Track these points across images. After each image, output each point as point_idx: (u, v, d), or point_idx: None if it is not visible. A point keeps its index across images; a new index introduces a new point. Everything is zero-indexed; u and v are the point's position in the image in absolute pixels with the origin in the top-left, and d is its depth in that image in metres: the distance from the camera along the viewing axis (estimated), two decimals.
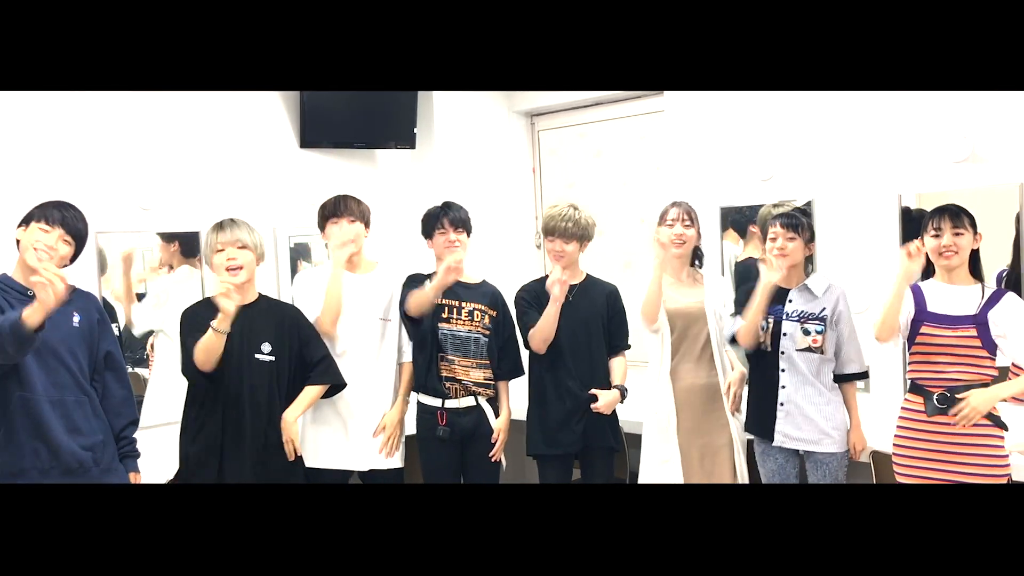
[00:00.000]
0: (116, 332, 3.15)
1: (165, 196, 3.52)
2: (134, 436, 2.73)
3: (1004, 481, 2.57)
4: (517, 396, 3.36)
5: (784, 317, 2.92)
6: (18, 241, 2.55)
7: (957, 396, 2.58)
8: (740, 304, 3.05)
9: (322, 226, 3.14)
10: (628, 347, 3.24)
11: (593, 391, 3.08)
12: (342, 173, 4.11)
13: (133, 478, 2.71)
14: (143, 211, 3.46)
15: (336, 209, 3.09)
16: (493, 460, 3.14)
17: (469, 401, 3.12)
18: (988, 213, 2.84)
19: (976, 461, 2.56)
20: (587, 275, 3.23)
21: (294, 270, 3.91)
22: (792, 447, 2.91)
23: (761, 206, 3.60)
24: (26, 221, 2.55)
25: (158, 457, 3.19)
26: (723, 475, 3.01)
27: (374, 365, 3.09)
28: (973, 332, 2.58)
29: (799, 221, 2.91)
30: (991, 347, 2.58)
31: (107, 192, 3.37)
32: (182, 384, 2.85)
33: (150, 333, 3.49)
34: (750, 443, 3.10)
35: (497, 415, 3.18)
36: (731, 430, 3.01)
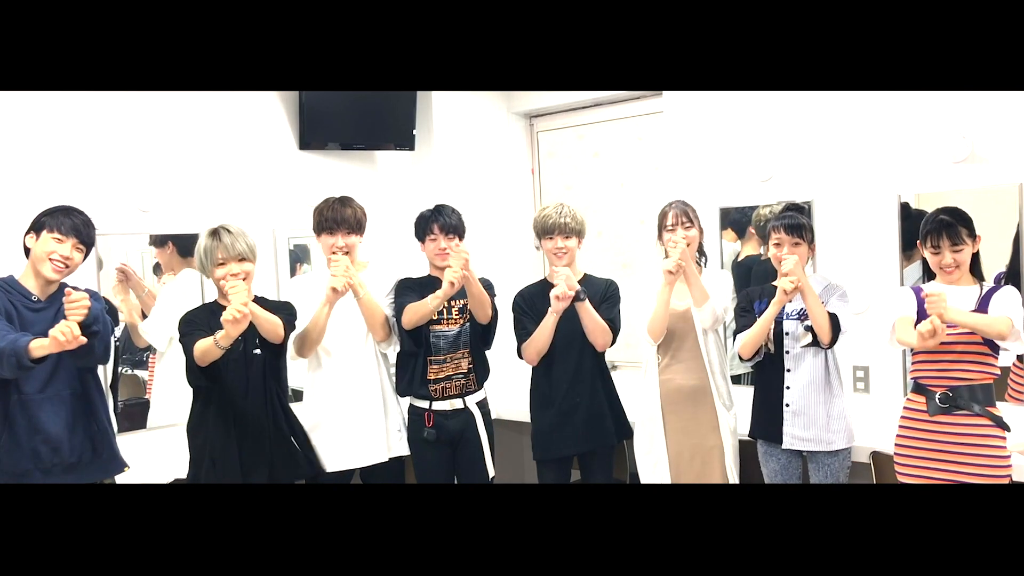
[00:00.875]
0: (117, 334, 3.14)
1: (164, 198, 3.52)
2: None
3: (1006, 482, 2.57)
4: (510, 398, 3.37)
5: (784, 317, 2.92)
6: (27, 248, 2.56)
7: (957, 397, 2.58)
8: (740, 311, 3.04)
9: (317, 231, 3.12)
10: (612, 322, 3.13)
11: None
12: (341, 175, 4.10)
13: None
14: (142, 213, 3.45)
15: (333, 221, 3.05)
16: None
17: (457, 403, 3.12)
18: (987, 213, 2.85)
19: (978, 462, 2.55)
20: (585, 274, 3.23)
21: (293, 272, 3.90)
22: (800, 448, 2.91)
23: (752, 207, 3.60)
24: (36, 229, 2.55)
25: (161, 458, 3.19)
26: (713, 476, 3.01)
27: (362, 364, 3.08)
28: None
29: (802, 224, 2.90)
30: (993, 345, 2.58)
31: (106, 194, 3.36)
32: (185, 387, 2.85)
33: (169, 341, 3.46)
34: (745, 444, 3.09)
35: (485, 418, 3.17)
36: (721, 432, 3.00)
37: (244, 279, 2.77)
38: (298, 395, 3.18)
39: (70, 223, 2.55)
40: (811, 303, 2.81)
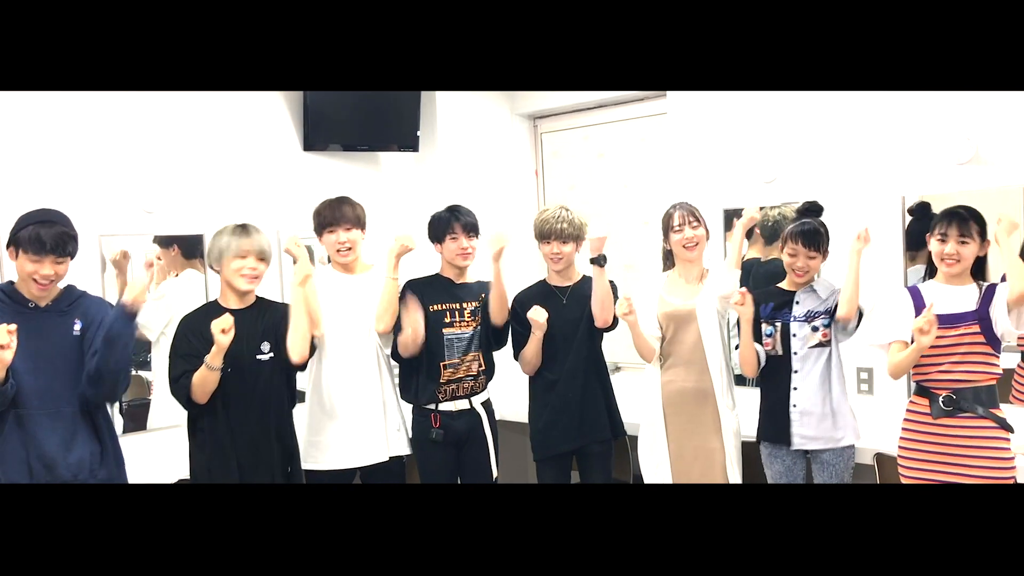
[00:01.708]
0: None
1: (168, 199, 3.52)
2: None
3: (1010, 483, 2.56)
4: (512, 399, 3.37)
5: (792, 319, 2.92)
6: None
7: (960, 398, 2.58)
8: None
9: (319, 232, 3.13)
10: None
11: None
12: (345, 176, 4.11)
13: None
14: (146, 214, 3.46)
15: (333, 217, 3.07)
16: None
17: (463, 404, 3.12)
18: (992, 215, 2.83)
19: (982, 463, 2.55)
20: (583, 276, 3.22)
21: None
22: (809, 447, 2.91)
23: (764, 208, 3.60)
24: (13, 245, 2.47)
25: (163, 459, 3.19)
26: (714, 478, 3.00)
27: (362, 364, 3.08)
28: (976, 328, 2.57)
29: (821, 236, 2.89)
30: (995, 343, 2.57)
31: (110, 195, 3.36)
32: None
33: (160, 336, 3.47)
34: (749, 446, 3.09)
35: (490, 419, 3.17)
36: (723, 434, 3.00)
37: (258, 277, 2.79)
38: (300, 395, 3.17)
39: (41, 243, 2.42)
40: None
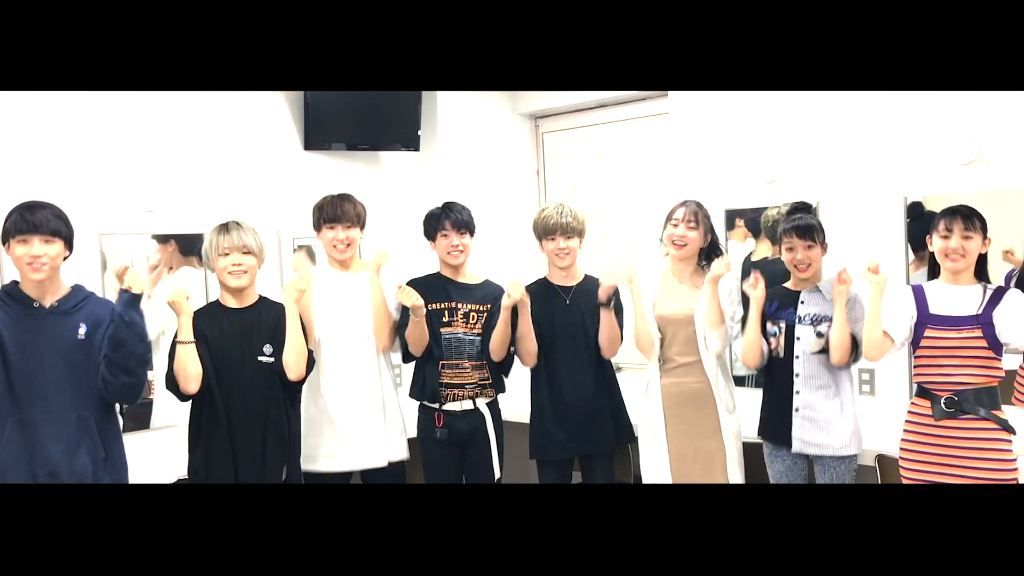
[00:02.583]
0: None
1: (169, 198, 3.52)
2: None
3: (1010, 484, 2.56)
4: (516, 400, 3.36)
5: (797, 321, 2.90)
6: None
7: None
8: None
9: (317, 227, 3.13)
10: (620, 325, 3.14)
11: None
12: (346, 175, 4.10)
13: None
14: (147, 213, 3.46)
15: (333, 215, 3.06)
16: None
17: (467, 405, 3.11)
18: (995, 215, 2.82)
19: (983, 465, 2.54)
20: (585, 276, 3.21)
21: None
22: (809, 452, 2.89)
23: (767, 208, 3.60)
24: (4, 240, 2.46)
25: (165, 459, 3.19)
26: (714, 480, 2.99)
27: (362, 366, 3.07)
28: (978, 333, 2.57)
29: (813, 226, 2.88)
30: (997, 347, 2.56)
31: (111, 194, 3.36)
32: None
33: (160, 335, 3.47)
34: (751, 447, 3.08)
35: (495, 419, 3.16)
36: (723, 435, 2.99)
37: (246, 272, 2.78)
38: None
39: (25, 221, 2.40)
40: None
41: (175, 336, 2.75)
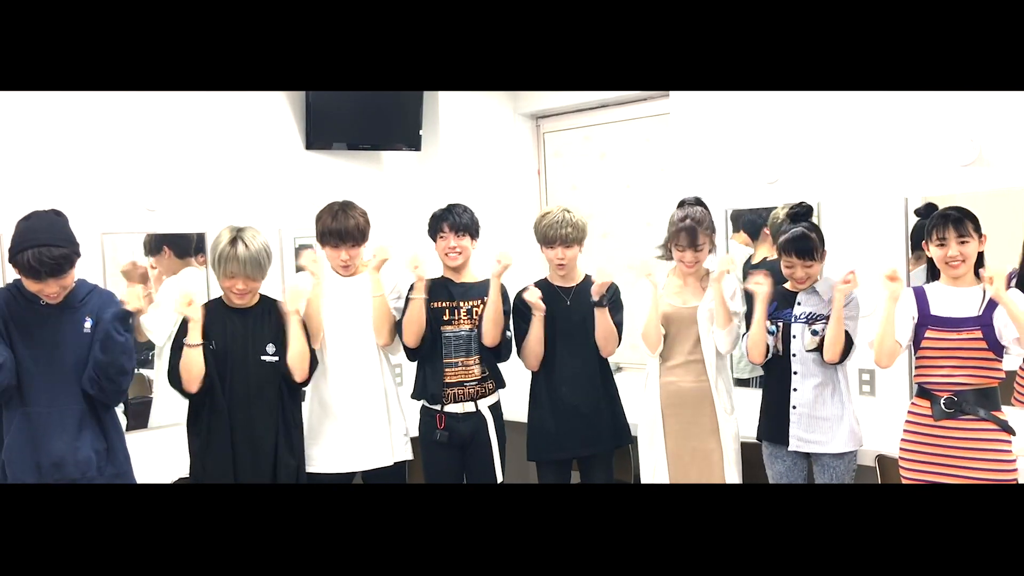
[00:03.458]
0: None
1: (171, 197, 3.52)
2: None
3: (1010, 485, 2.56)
4: (517, 400, 3.36)
5: (793, 320, 2.92)
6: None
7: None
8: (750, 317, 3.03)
9: (321, 239, 3.09)
10: (616, 327, 3.14)
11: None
12: (347, 175, 4.11)
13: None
14: (149, 212, 3.46)
15: (338, 237, 3.01)
16: None
17: (469, 407, 3.11)
18: (995, 216, 2.83)
19: (983, 466, 2.54)
20: (586, 276, 3.22)
21: (299, 271, 3.89)
22: (807, 450, 2.90)
23: (767, 208, 3.60)
24: (13, 263, 2.44)
25: (165, 457, 3.19)
26: (712, 480, 3.00)
27: (365, 366, 3.07)
28: (978, 335, 2.57)
29: (813, 248, 2.86)
30: (997, 349, 2.57)
31: (113, 193, 3.37)
32: None
33: (168, 339, 3.46)
34: (750, 448, 3.09)
35: (496, 422, 3.16)
36: (721, 436, 2.99)
37: (249, 292, 2.79)
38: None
39: (36, 272, 2.39)
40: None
41: (178, 333, 2.76)
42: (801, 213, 2.97)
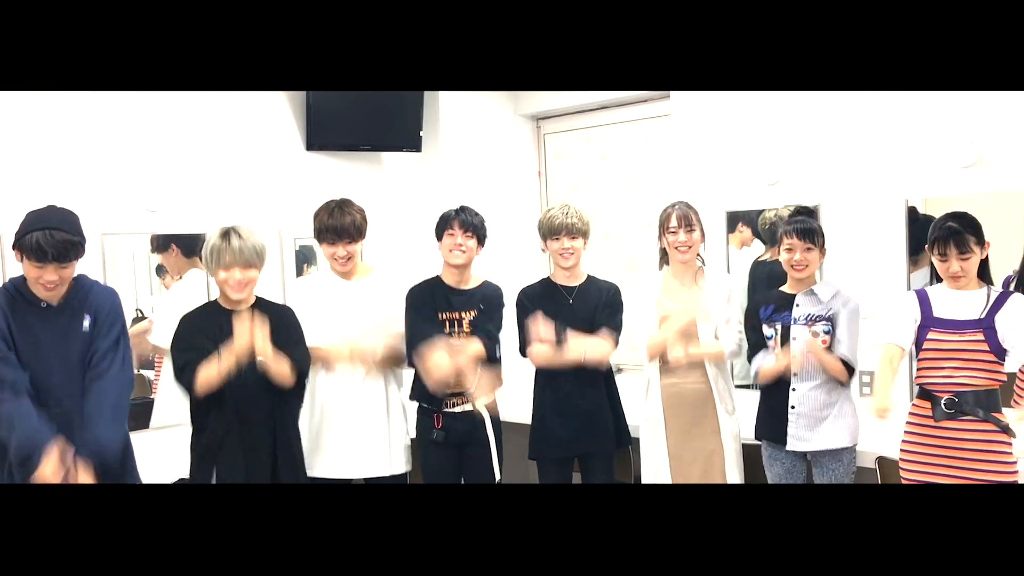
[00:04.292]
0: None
1: (171, 198, 3.53)
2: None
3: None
4: (515, 400, 3.37)
5: (792, 322, 2.91)
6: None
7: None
8: (749, 329, 3.03)
9: (318, 239, 3.10)
10: (614, 331, 3.12)
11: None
12: (347, 176, 4.11)
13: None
14: (149, 213, 3.47)
15: (335, 234, 3.02)
16: None
17: (466, 406, 3.11)
18: (996, 218, 2.83)
19: (983, 467, 2.54)
20: (588, 276, 3.22)
21: (299, 273, 3.91)
22: (804, 449, 2.91)
23: (765, 210, 3.60)
24: (17, 247, 2.44)
25: (166, 458, 3.19)
26: (713, 481, 3.00)
27: (368, 372, 3.06)
28: (980, 336, 2.57)
29: (814, 229, 2.89)
30: (999, 351, 2.57)
31: (113, 194, 3.37)
32: None
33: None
34: (750, 449, 3.09)
35: (494, 421, 3.16)
36: (722, 437, 2.99)
37: (247, 285, 2.76)
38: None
39: (43, 251, 2.37)
40: (824, 363, 2.85)
41: (183, 331, 2.77)
42: (804, 212, 3.05)
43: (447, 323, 3.10)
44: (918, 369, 2.71)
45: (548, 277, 3.26)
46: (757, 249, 3.68)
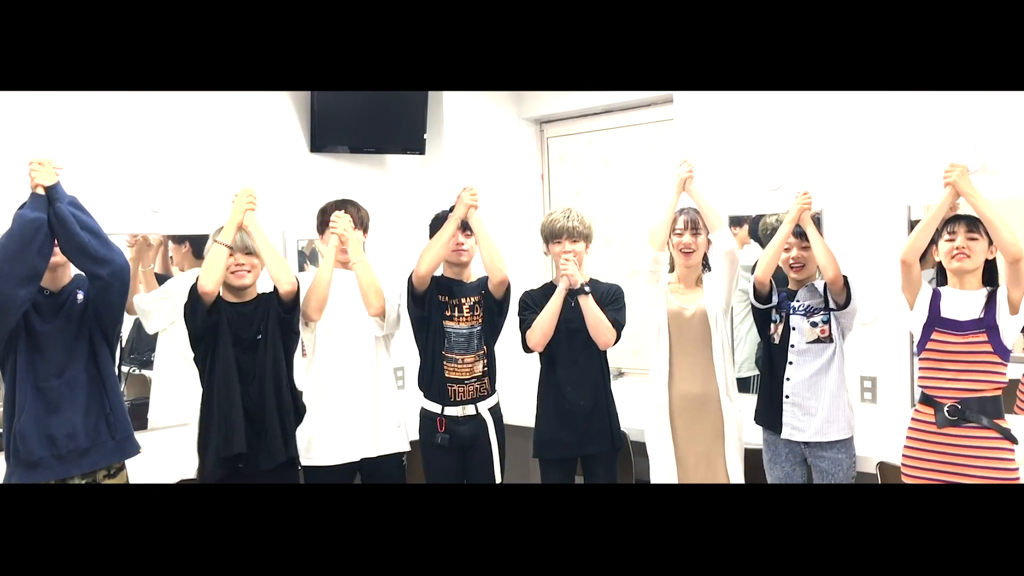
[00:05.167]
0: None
1: (175, 199, 3.53)
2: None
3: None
4: (518, 402, 3.37)
5: (792, 312, 2.97)
6: None
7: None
8: (756, 313, 3.08)
9: (321, 229, 3.16)
10: (617, 325, 3.13)
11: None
12: (352, 178, 4.12)
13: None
14: (153, 213, 3.47)
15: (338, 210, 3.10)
16: None
17: (469, 410, 3.12)
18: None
19: (986, 474, 2.54)
20: (591, 279, 3.23)
21: (301, 272, 3.91)
22: (798, 439, 2.94)
23: (765, 215, 3.61)
24: None
25: (164, 458, 3.20)
26: (716, 481, 3.01)
27: (363, 360, 3.09)
28: (983, 337, 2.57)
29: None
30: (1003, 352, 2.57)
31: (117, 194, 3.38)
32: (187, 386, 2.86)
33: (158, 332, 3.48)
34: (751, 452, 3.09)
35: (496, 424, 3.17)
36: (726, 438, 3.00)
37: (249, 271, 2.83)
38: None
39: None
40: (811, 237, 2.91)
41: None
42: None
43: (447, 306, 3.12)
44: (920, 372, 2.71)
45: (550, 281, 3.27)
46: (756, 251, 3.68)
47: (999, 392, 2.60)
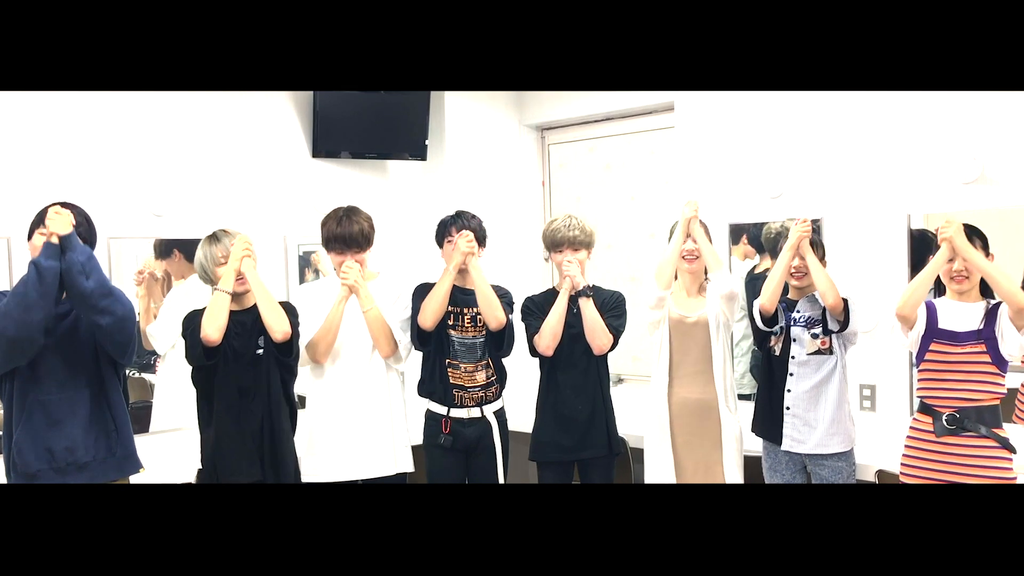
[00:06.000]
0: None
1: (177, 202, 3.54)
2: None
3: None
4: (519, 403, 3.37)
5: (792, 324, 2.97)
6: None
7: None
8: (752, 318, 3.08)
9: (326, 246, 3.11)
10: (616, 331, 3.14)
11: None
12: (353, 183, 4.13)
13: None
14: (155, 217, 3.48)
15: (344, 244, 3.04)
16: None
17: (475, 412, 3.13)
18: (997, 234, 2.84)
19: (984, 483, 2.55)
20: (593, 285, 3.23)
21: (303, 278, 3.92)
22: (798, 451, 2.94)
23: (767, 223, 3.62)
24: (33, 225, 2.55)
25: (165, 462, 3.20)
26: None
27: (371, 375, 3.07)
28: (982, 348, 2.58)
29: (814, 240, 2.96)
30: (1001, 363, 2.58)
31: (119, 198, 3.38)
32: (189, 390, 2.85)
33: (171, 348, 3.48)
34: (750, 461, 3.10)
35: (501, 428, 3.17)
36: (724, 446, 3.01)
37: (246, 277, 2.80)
38: (302, 401, 3.17)
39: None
40: (811, 265, 2.90)
41: (197, 317, 2.77)
42: None
43: (451, 315, 3.12)
44: (919, 382, 2.72)
45: (552, 287, 3.28)
46: (756, 261, 3.70)
47: (997, 401, 2.61)
